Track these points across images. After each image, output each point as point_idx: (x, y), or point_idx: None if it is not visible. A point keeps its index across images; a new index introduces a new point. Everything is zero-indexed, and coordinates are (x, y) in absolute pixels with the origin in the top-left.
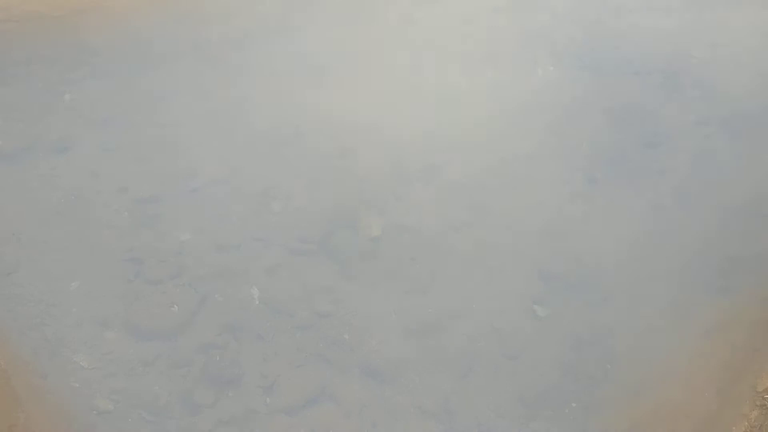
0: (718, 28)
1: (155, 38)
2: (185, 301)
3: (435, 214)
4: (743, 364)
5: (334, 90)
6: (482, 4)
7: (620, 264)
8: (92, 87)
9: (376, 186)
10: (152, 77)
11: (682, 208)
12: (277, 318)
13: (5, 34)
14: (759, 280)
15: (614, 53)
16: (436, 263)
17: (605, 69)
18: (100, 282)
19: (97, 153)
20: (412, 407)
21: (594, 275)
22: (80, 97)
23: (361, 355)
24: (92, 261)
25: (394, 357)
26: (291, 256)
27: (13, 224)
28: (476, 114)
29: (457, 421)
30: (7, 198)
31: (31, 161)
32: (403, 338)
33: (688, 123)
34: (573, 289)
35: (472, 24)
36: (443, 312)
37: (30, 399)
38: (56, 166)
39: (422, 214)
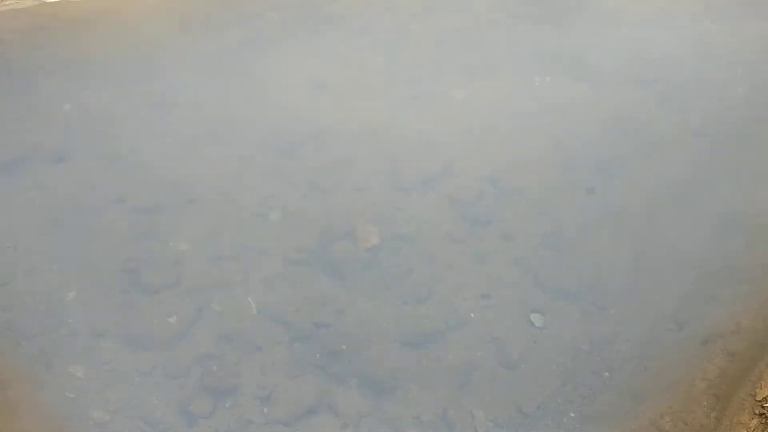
0: (714, 40)
1: (154, 49)
2: (182, 311)
3: (432, 224)
4: (742, 373)
5: (332, 100)
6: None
7: (617, 273)
8: (91, 97)
9: (374, 196)
10: (150, 88)
11: (680, 217)
12: (275, 328)
13: (5, 44)
14: (757, 288)
15: (612, 64)
16: (434, 273)
17: (603, 79)
18: (96, 292)
19: (95, 163)
20: (410, 418)
21: (592, 285)
22: (79, 108)
23: (359, 366)
24: (89, 271)
25: (391, 367)
26: (288, 266)
27: (10, 234)
28: (474, 123)
29: None
30: (4, 208)
31: (28, 171)
32: (400, 348)
33: (686, 133)
34: (570, 298)
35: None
36: (441, 322)
37: (25, 410)
38: (54, 175)
39: (420, 223)
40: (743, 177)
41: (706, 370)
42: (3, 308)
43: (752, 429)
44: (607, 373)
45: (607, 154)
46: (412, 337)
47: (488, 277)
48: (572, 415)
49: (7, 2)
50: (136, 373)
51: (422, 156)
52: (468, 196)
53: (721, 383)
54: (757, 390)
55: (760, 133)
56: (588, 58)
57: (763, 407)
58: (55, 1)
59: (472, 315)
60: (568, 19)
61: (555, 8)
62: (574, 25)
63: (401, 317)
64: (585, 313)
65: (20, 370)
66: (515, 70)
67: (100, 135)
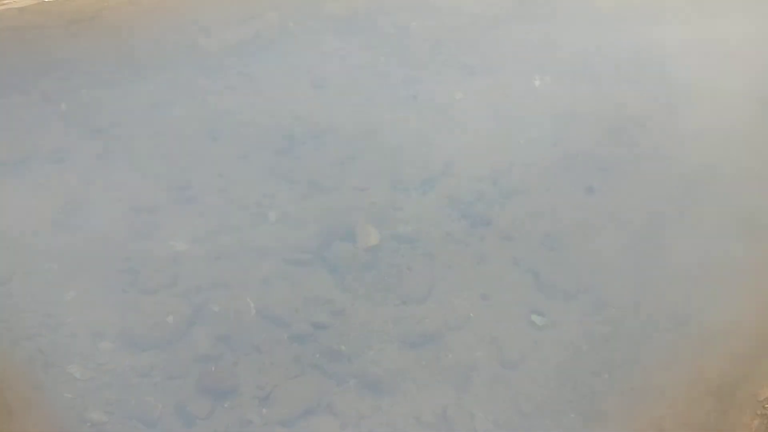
0: (712, 38)
1: (151, 48)
2: (181, 311)
3: (432, 224)
4: (743, 373)
5: (331, 99)
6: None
7: (619, 273)
8: (89, 97)
9: (373, 195)
10: (148, 87)
11: (679, 218)
12: (273, 328)
13: (3, 43)
14: (758, 288)
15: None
16: (434, 273)
17: (603, 78)
18: (94, 292)
19: (92, 163)
20: (410, 418)
21: (592, 285)
22: (76, 107)
23: (358, 366)
24: (87, 271)
25: (391, 367)
26: (287, 266)
27: (7, 234)
28: (474, 123)
29: None
30: (1, 207)
31: (25, 171)
32: (400, 349)
33: (684, 133)
34: (570, 298)
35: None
36: (441, 322)
37: (23, 411)
38: (51, 175)
39: (419, 223)
40: (743, 175)
41: (707, 371)
42: (1, 308)
43: (754, 430)
44: (607, 373)
45: (607, 153)
46: (411, 337)
47: (488, 277)
48: (572, 415)
49: (6, 1)
50: (134, 373)
51: (422, 155)
52: (468, 195)
53: (722, 383)
54: (759, 390)
55: (760, 131)
56: (588, 56)
57: (764, 407)
58: (54, 0)
59: (471, 315)
60: (568, 18)
61: (554, 6)
62: (574, 23)
63: (401, 317)
64: (585, 313)
65: (18, 370)
66: (515, 69)
67: (97, 134)
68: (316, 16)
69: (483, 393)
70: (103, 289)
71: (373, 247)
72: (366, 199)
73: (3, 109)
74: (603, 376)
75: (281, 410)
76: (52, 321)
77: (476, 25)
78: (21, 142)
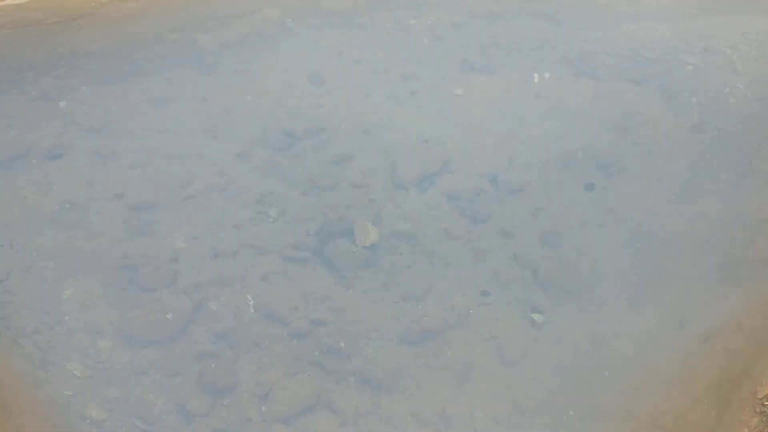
0: (713, 35)
1: (150, 45)
2: (180, 309)
3: (431, 221)
4: (742, 371)
5: (331, 96)
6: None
7: (617, 271)
8: (87, 94)
9: (373, 193)
10: (147, 84)
11: (679, 215)
12: (273, 326)
13: (0, 40)
14: (758, 286)
15: (610, 60)
16: (433, 270)
17: (603, 75)
18: (93, 290)
19: (91, 160)
20: (408, 415)
21: (591, 282)
22: (75, 104)
23: (357, 363)
24: (86, 268)
25: (390, 365)
26: (286, 264)
27: (6, 231)
28: (473, 119)
29: (454, 430)
30: (0, 205)
31: (24, 168)
32: (399, 346)
33: (684, 130)
34: (570, 296)
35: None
36: (440, 319)
37: (22, 408)
38: (50, 173)
39: (419, 221)
40: (743, 172)
41: (707, 369)
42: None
43: (753, 427)
44: (606, 371)
45: (607, 150)
46: (410, 334)
47: (487, 274)
48: (572, 413)
49: None
50: (133, 370)
51: (421, 152)
52: (467, 192)
53: (721, 381)
54: (758, 388)
55: (759, 128)
56: (587, 54)
57: (763, 405)
58: None
59: (471, 312)
60: (567, 15)
61: (554, 4)
62: (574, 20)
63: (400, 315)
64: (584, 311)
65: (17, 368)
66: (514, 66)
67: (96, 131)
68: (314, 12)
69: (482, 390)
70: (102, 287)
71: (372, 245)
72: (365, 197)
73: (1, 107)
74: (603, 374)
75: (281, 407)
76: (51, 319)
77: (476, 21)
78: (19, 139)
